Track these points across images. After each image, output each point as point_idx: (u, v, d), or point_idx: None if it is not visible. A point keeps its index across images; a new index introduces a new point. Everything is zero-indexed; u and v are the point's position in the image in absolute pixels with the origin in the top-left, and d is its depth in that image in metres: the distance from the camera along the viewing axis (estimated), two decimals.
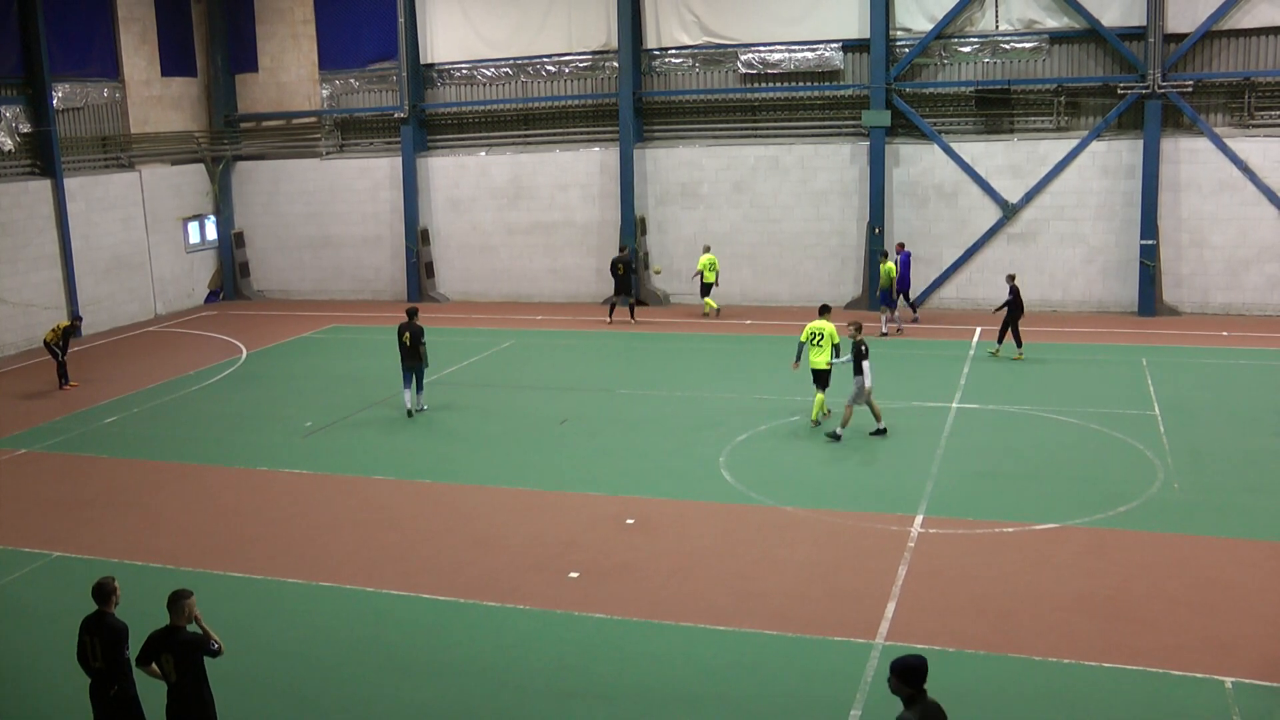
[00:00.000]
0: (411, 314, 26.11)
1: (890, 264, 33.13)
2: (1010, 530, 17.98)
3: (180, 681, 11.00)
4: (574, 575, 16.98)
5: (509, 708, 13.31)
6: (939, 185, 36.19)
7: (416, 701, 13.55)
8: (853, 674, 13.43)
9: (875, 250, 36.24)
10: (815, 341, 23.67)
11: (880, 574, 16.47)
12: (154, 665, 11.16)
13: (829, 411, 24.40)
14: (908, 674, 9.11)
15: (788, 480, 20.77)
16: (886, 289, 33.05)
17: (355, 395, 28.12)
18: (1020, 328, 29.51)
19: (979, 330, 32.68)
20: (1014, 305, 29.35)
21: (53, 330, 30.45)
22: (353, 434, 25.07)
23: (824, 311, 24.34)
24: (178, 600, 11.10)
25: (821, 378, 23.93)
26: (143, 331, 38.74)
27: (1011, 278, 30.02)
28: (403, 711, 13.35)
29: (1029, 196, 35.30)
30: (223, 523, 20.05)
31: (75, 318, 32.24)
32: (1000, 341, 29.81)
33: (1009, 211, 35.43)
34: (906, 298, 34.53)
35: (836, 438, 22.92)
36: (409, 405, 26.14)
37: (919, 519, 18.55)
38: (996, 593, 15.79)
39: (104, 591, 11.45)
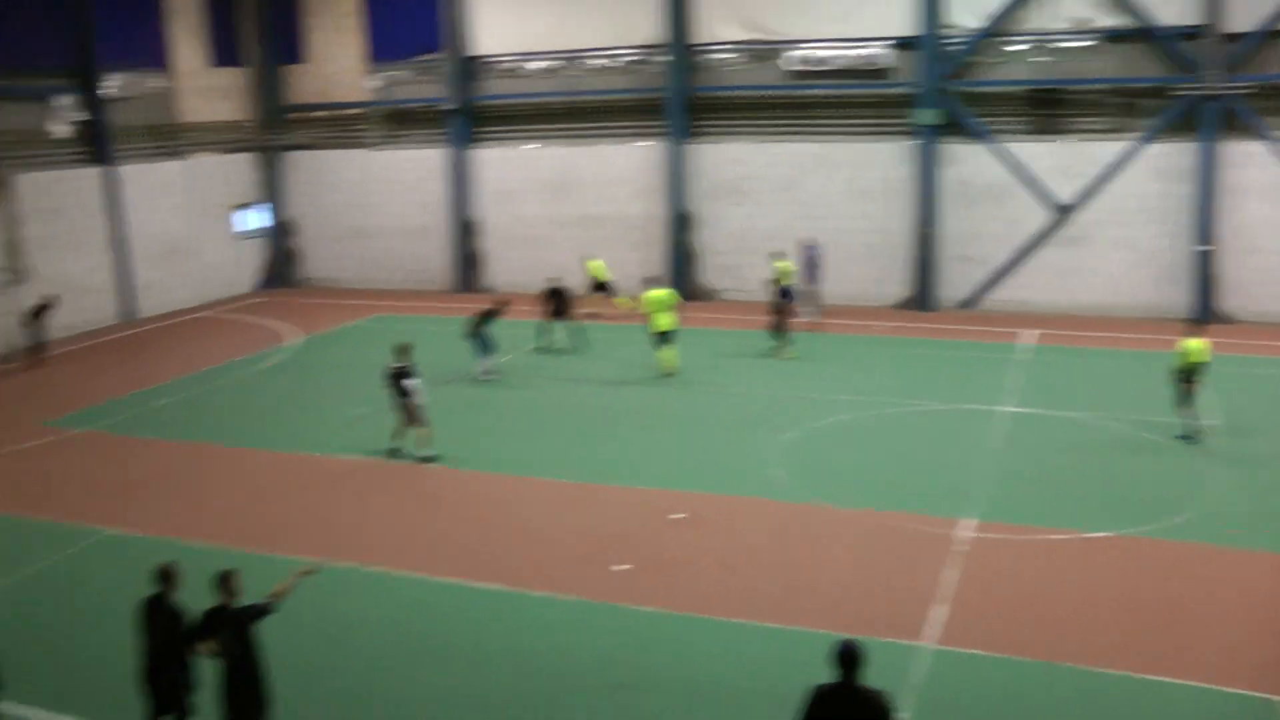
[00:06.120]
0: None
1: (785, 262, 33.06)
2: (1061, 537, 17.77)
3: (234, 657, 11.16)
4: (623, 568, 16.97)
5: (554, 698, 13.32)
6: (989, 186, 35.86)
7: (461, 689, 13.58)
8: (900, 676, 13.34)
9: (926, 253, 36.01)
10: None
11: (929, 576, 16.36)
12: (207, 643, 11.29)
13: None
14: (835, 658, 9.20)
15: (838, 479, 20.67)
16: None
17: None
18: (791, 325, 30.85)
19: (1030, 333, 32.41)
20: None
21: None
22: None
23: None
24: (226, 579, 11.28)
25: None
26: (193, 317, 39.01)
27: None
28: (447, 699, 13.38)
29: (1080, 199, 34.93)
30: (269, 506, 20.22)
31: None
32: (783, 335, 30.56)
33: (1060, 214, 35.10)
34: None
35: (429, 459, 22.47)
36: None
37: (969, 523, 18.38)
38: (1046, 599, 15.62)
39: (167, 575, 11.68)
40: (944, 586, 16.00)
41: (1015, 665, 13.78)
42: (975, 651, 14.05)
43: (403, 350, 22.63)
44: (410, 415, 22.50)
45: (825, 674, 9.23)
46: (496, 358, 29.10)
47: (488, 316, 28.73)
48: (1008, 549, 17.37)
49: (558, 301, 32.13)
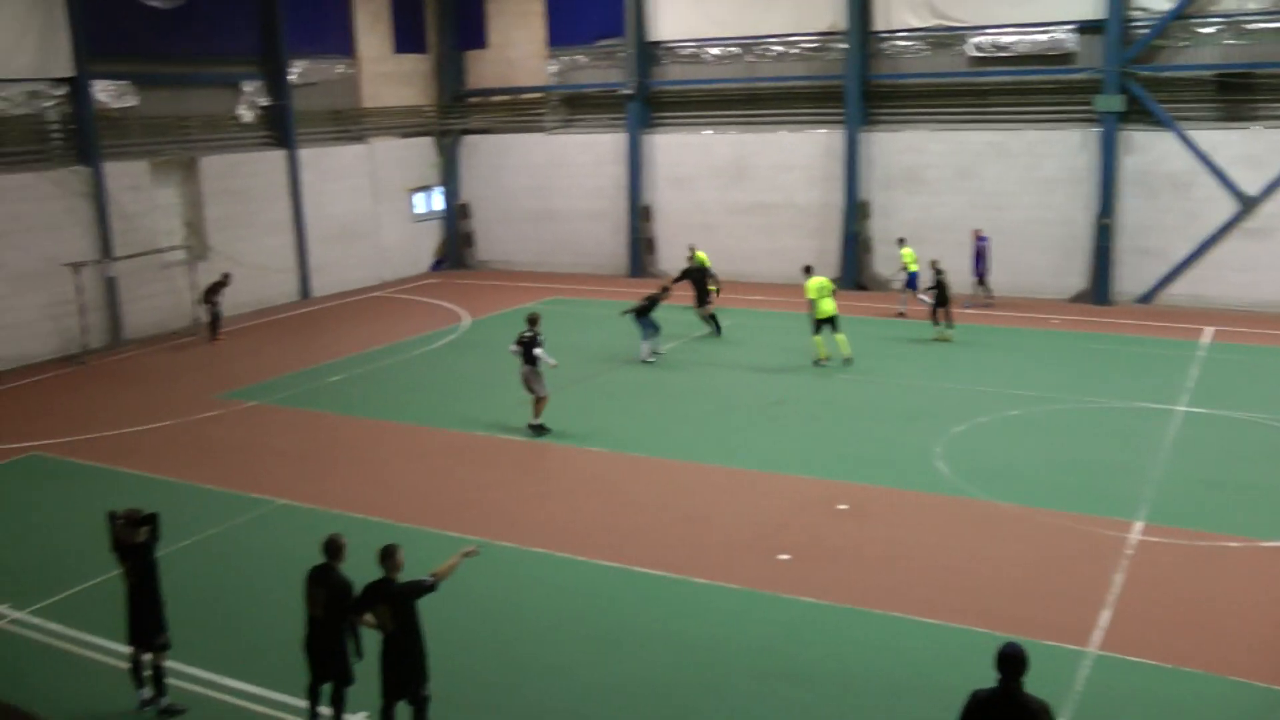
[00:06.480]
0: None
1: (908, 250, 34.22)
2: (1235, 545, 17.24)
3: (396, 631, 11.50)
4: (784, 557, 17.02)
5: (712, 684, 13.43)
6: (1172, 175, 34.76)
7: (620, 672, 13.79)
8: (1062, 681, 13.11)
9: (1103, 245, 35.13)
10: None
11: (1095, 579, 16.03)
12: (369, 616, 11.69)
13: None
14: (997, 661, 9.06)
15: (1004, 475, 20.36)
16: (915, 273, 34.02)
17: (572, 367, 28.44)
18: (952, 310, 31.11)
19: (1211, 330, 31.44)
20: (941, 289, 30.64)
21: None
22: (569, 405, 25.43)
23: None
24: (391, 554, 11.64)
25: None
26: (368, 297, 40.06)
27: (935, 263, 31.17)
28: (606, 681, 13.59)
29: (1269, 189, 33.63)
30: (438, 482, 20.78)
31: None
32: (936, 324, 31.00)
33: (1246, 205, 33.93)
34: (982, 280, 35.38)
35: (540, 429, 23.54)
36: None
37: (1138, 525, 17.94)
38: (1217, 610, 15.15)
39: (334, 547, 12.06)
40: (1108, 590, 15.69)
41: (1180, 676, 13.42)
42: (1138, 659, 13.73)
43: (532, 320, 23.58)
44: (530, 384, 23.30)
45: (984, 674, 9.18)
46: (659, 341, 29.45)
47: (654, 301, 29.14)
48: (1176, 554, 16.96)
49: (696, 283, 32.29)
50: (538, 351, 23.01)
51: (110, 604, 14.08)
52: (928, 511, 18.85)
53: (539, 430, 23.33)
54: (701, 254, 35.56)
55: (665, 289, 29.93)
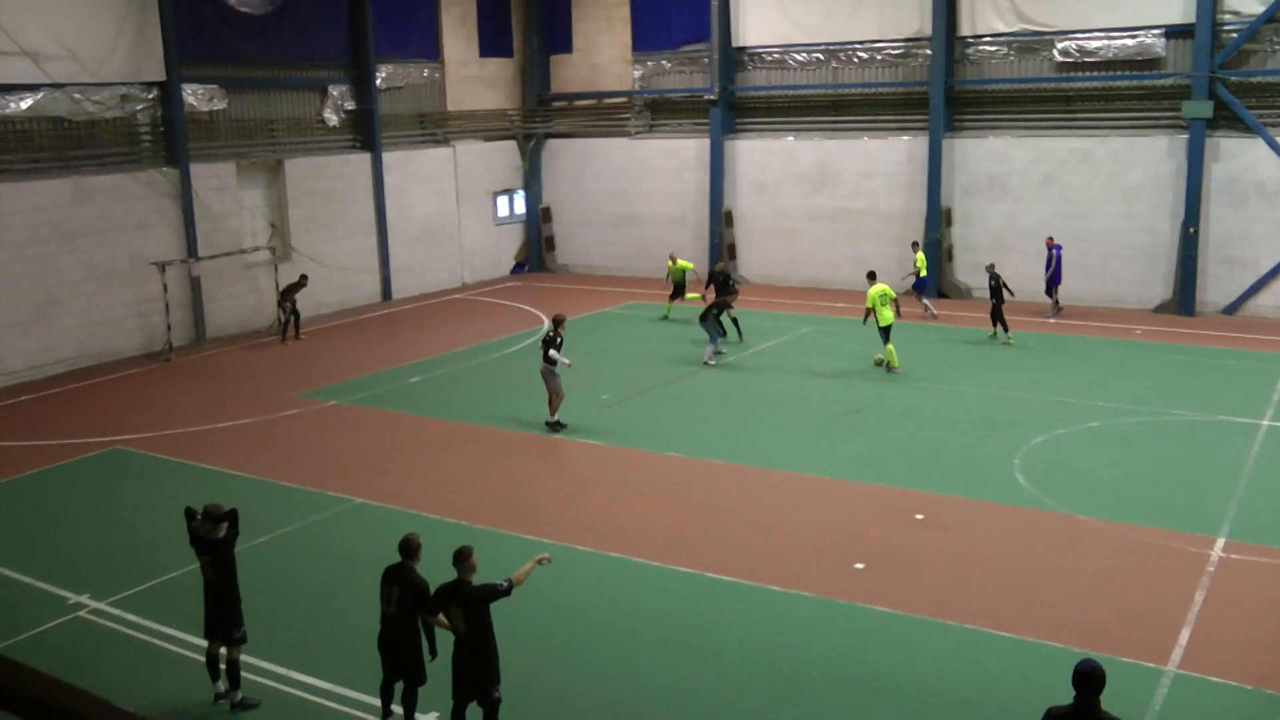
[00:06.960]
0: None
1: (921, 254, 34.78)
2: None
3: (469, 632, 11.61)
4: (859, 566, 16.93)
5: (785, 693, 13.40)
6: (1260, 183, 34.04)
7: (692, 678, 13.78)
8: (1140, 700, 12.90)
9: (1189, 255, 34.58)
10: None
11: (1175, 596, 15.76)
12: (441, 616, 11.83)
13: None
14: (1074, 678, 8.98)
15: (1083, 488, 20.09)
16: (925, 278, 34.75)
17: (652, 372, 28.61)
18: (1006, 315, 31.24)
19: None
20: (995, 292, 30.96)
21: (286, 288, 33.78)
22: (647, 410, 25.56)
23: None
24: (465, 556, 11.75)
25: None
26: (449, 299, 40.35)
27: (991, 267, 31.72)
28: (678, 686, 13.60)
29: None
30: (515, 485, 20.87)
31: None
32: (1006, 330, 31.20)
33: None
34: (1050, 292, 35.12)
35: (556, 426, 24.17)
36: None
37: (1220, 542, 17.60)
38: None
39: (411, 547, 12.20)
40: (1189, 607, 15.42)
41: (1262, 698, 13.15)
42: (1219, 679, 13.48)
43: (557, 322, 24.28)
44: (547, 381, 23.90)
45: (1060, 690, 9.07)
46: (720, 345, 29.87)
47: (721, 306, 29.61)
48: (1259, 572, 16.64)
49: (719, 287, 32.39)
50: (552, 352, 23.53)
51: (188, 597, 14.33)
52: (1006, 523, 18.67)
53: (555, 427, 23.98)
54: (684, 262, 35.69)
55: (734, 293, 30.85)
